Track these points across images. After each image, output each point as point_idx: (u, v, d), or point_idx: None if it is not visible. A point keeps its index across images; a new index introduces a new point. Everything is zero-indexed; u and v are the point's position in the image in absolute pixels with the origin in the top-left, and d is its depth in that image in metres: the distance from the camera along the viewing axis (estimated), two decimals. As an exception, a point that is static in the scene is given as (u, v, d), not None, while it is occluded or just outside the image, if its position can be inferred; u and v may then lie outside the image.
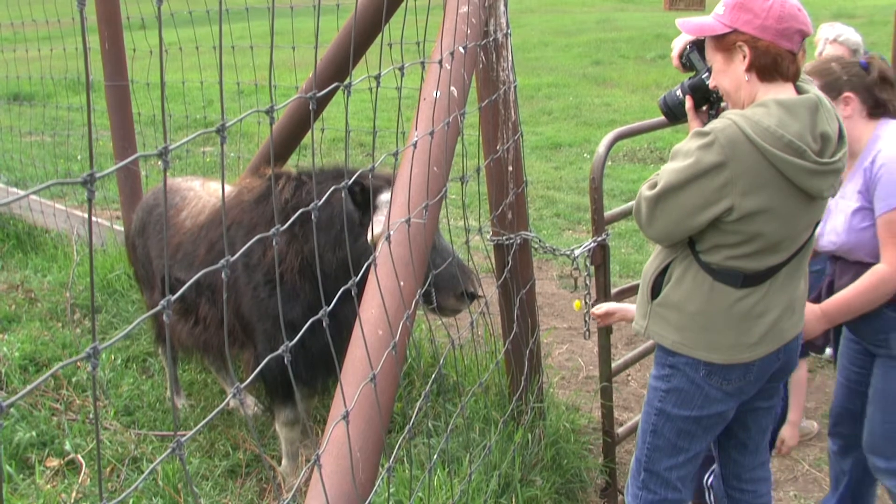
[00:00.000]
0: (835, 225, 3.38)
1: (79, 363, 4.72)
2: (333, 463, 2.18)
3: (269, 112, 1.76)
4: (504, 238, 4.05)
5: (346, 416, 2.14)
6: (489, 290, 3.80)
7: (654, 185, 2.79)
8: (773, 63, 2.67)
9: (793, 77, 2.73)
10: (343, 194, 3.13)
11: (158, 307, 1.44)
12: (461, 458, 3.83)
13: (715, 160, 2.60)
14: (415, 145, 2.81)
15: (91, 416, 4.75)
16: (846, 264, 3.44)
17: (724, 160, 2.59)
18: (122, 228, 6.59)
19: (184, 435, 1.55)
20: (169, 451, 1.41)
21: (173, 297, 1.44)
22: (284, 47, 5.53)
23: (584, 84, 17.30)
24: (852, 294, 3.31)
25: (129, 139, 6.67)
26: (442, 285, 3.63)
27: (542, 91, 16.47)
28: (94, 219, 7.55)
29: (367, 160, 11.52)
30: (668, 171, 2.73)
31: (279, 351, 1.84)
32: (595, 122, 13.70)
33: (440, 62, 3.05)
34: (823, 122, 2.66)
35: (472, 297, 3.72)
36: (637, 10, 32.14)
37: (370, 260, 2.51)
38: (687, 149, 2.69)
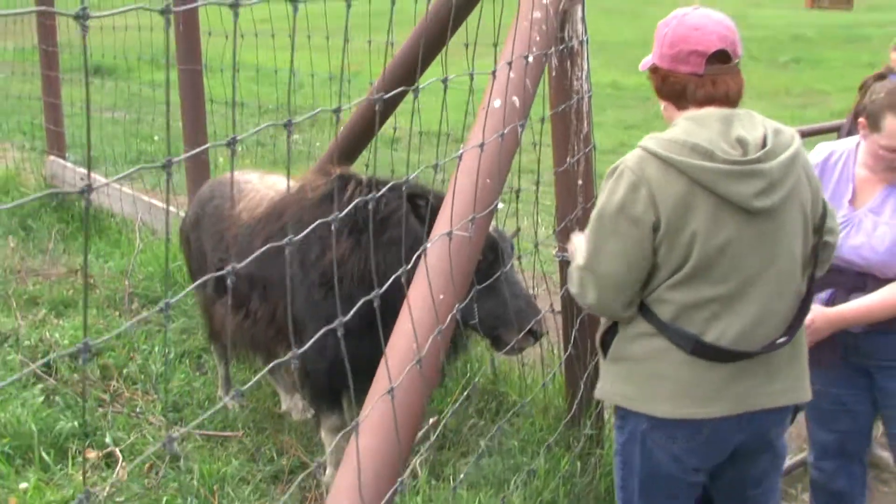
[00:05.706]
0: (873, 242, 3.42)
1: (133, 356, 4.95)
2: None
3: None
4: (568, 254, 4.19)
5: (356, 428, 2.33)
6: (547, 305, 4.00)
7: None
8: (676, 90, 2.79)
9: (704, 101, 2.76)
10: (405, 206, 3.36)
11: (161, 304, 1.65)
12: (508, 480, 4.00)
13: (628, 182, 2.68)
14: (460, 158, 2.99)
15: (137, 409, 5.04)
16: (878, 281, 3.45)
17: (636, 179, 2.66)
18: (187, 218, 6.86)
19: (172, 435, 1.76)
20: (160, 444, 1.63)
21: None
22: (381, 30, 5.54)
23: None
24: (877, 304, 3.39)
25: (200, 126, 6.97)
26: (508, 320, 3.83)
27: (657, 92, 16.35)
28: (161, 206, 7.84)
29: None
30: (589, 231, 2.85)
31: (291, 355, 2.03)
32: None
33: (492, 73, 3.23)
34: (739, 128, 2.68)
35: (537, 336, 3.94)
36: (774, 8, 31.65)
37: (420, 250, 2.70)
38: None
